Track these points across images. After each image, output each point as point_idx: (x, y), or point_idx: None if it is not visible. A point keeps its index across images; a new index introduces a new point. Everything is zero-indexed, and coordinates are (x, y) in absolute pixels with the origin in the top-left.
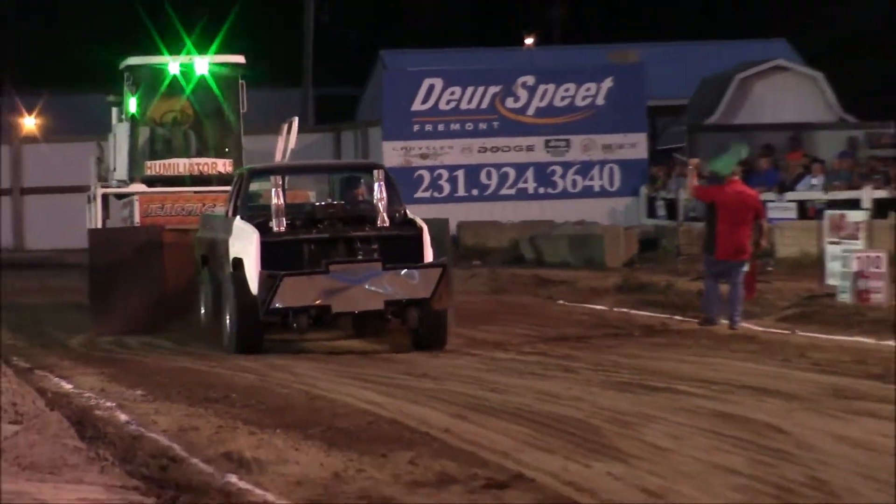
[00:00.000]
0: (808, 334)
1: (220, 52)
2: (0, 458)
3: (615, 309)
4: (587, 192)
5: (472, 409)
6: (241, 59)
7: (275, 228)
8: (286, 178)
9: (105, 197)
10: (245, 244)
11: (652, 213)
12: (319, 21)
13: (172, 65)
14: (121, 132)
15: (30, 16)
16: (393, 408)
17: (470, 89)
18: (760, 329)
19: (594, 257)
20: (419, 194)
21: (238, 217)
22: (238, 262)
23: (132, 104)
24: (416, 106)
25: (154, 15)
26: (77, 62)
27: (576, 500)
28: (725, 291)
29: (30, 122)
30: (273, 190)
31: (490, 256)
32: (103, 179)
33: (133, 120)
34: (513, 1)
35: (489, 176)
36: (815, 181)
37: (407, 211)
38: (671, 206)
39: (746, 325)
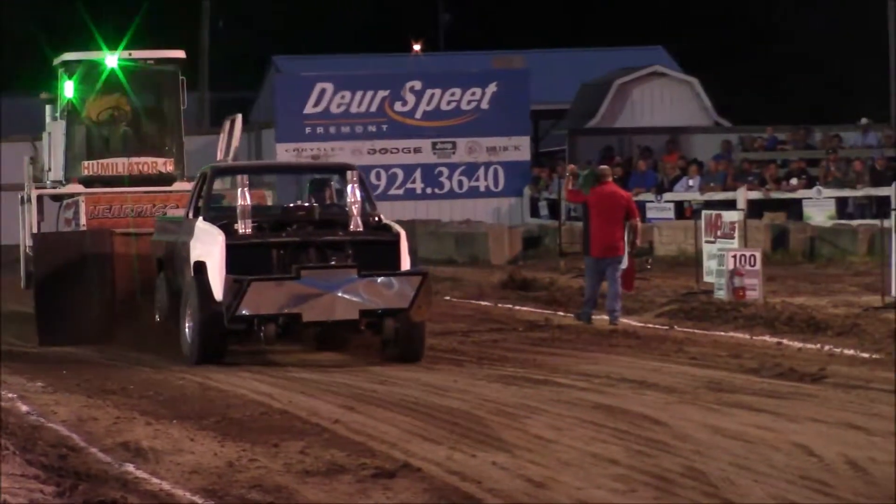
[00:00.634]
0: (686, 330)
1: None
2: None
3: (499, 305)
4: (473, 193)
5: (361, 401)
6: (181, 53)
7: (241, 231)
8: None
9: (40, 198)
10: (209, 247)
11: (535, 212)
12: (215, 27)
13: (110, 59)
14: (56, 131)
15: None
16: (284, 399)
17: (360, 93)
18: (640, 325)
19: (479, 255)
20: None
21: (200, 218)
22: (200, 266)
23: (68, 101)
24: (308, 109)
25: (92, 11)
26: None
27: (461, 489)
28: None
29: None
30: (239, 190)
31: None
32: (38, 180)
33: (69, 117)
34: (401, 9)
35: (378, 177)
36: (691, 182)
37: (381, 215)
38: (553, 206)
39: (626, 321)
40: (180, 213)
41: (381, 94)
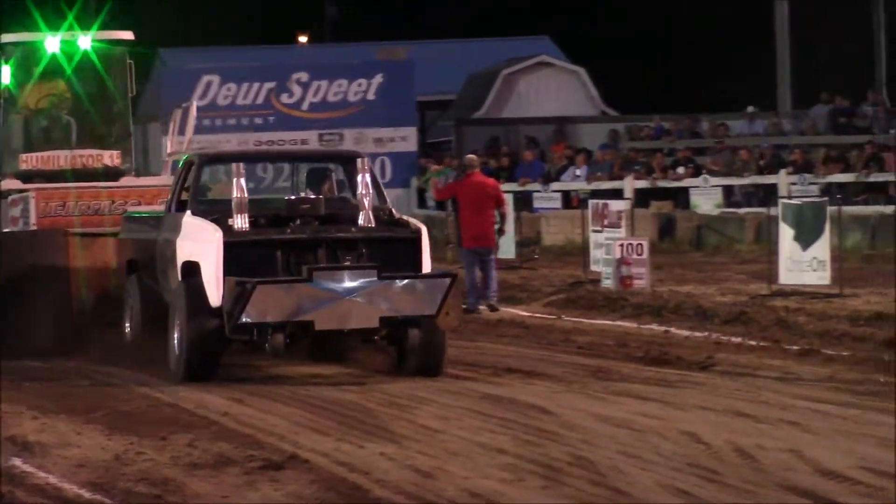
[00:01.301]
0: (573, 319)
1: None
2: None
3: None
4: None
5: (250, 394)
6: (129, 35)
7: (237, 226)
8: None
9: None
10: (202, 245)
11: (422, 203)
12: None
13: (51, 41)
14: None
15: None
16: (172, 392)
17: (246, 85)
18: (527, 314)
19: None
20: None
21: (188, 213)
22: (192, 268)
23: (4, 87)
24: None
25: None
26: None
27: (349, 480)
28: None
29: None
30: (234, 181)
31: None
32: None
33: (5, 106)
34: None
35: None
36: (578, 172)
37: (393, 210)
38: None
39: (514, 311)
40: (143, 209)
41: (268, 85)
